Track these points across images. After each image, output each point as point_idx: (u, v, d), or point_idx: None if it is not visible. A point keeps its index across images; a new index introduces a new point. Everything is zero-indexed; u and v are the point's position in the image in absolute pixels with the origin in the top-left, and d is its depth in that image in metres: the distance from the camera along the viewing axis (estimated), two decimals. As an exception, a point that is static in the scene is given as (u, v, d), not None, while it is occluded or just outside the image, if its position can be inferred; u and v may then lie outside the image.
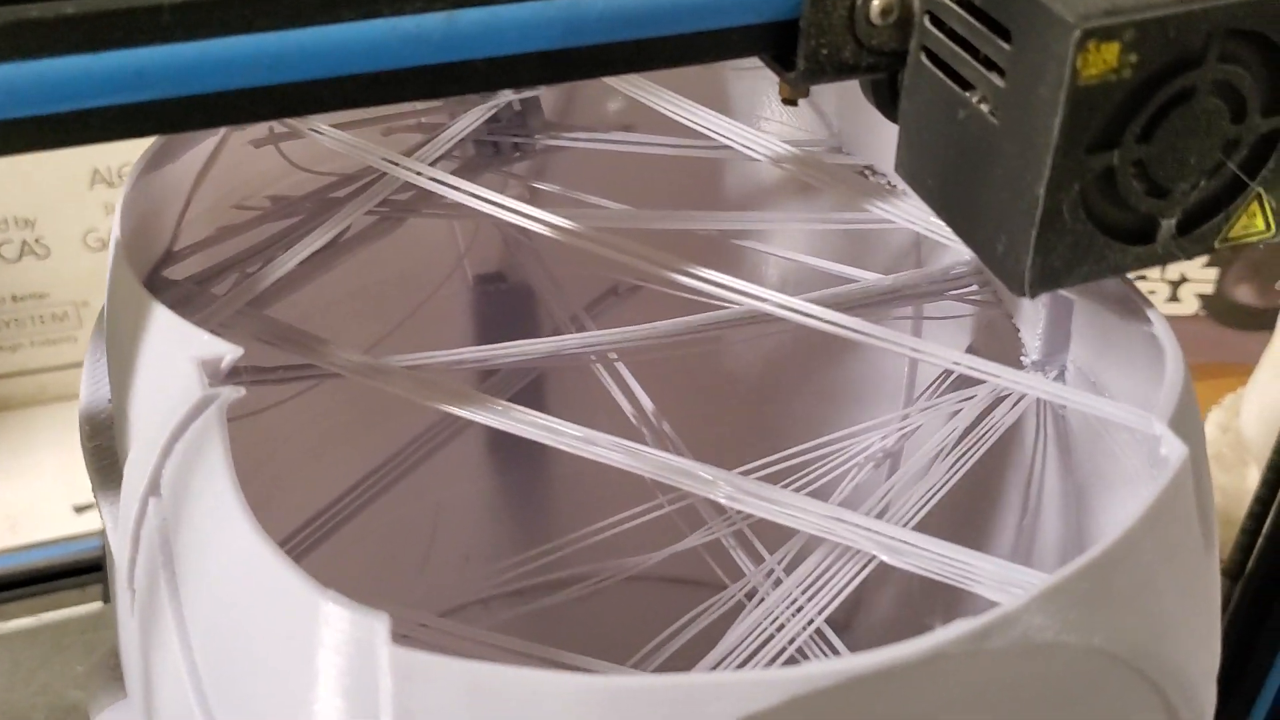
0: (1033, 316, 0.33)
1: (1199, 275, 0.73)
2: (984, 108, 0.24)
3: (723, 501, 0.28)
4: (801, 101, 0.42)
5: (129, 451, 0.26)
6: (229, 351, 0.24)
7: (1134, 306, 0.29)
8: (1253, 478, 0.49)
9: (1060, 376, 0.34)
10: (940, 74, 0.26)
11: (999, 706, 0.21)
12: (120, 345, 0.28)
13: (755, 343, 0.49)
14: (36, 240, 0.73)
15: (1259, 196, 0.25)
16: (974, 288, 0.35)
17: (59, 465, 0.73)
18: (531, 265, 0.42)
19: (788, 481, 0.31)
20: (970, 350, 0.37)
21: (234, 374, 0.25)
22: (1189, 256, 0.26)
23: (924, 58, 0.26)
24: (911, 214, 0.33)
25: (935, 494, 0.33)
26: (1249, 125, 0.24)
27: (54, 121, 0.23)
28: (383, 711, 0.19)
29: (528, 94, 0.40)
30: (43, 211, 0.72)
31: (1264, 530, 0.46)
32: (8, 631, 0.55)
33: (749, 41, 0.26)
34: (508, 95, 0.39)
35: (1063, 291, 0.31)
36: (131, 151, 0.84)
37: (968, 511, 0.39)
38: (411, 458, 0.44)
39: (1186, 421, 0.25)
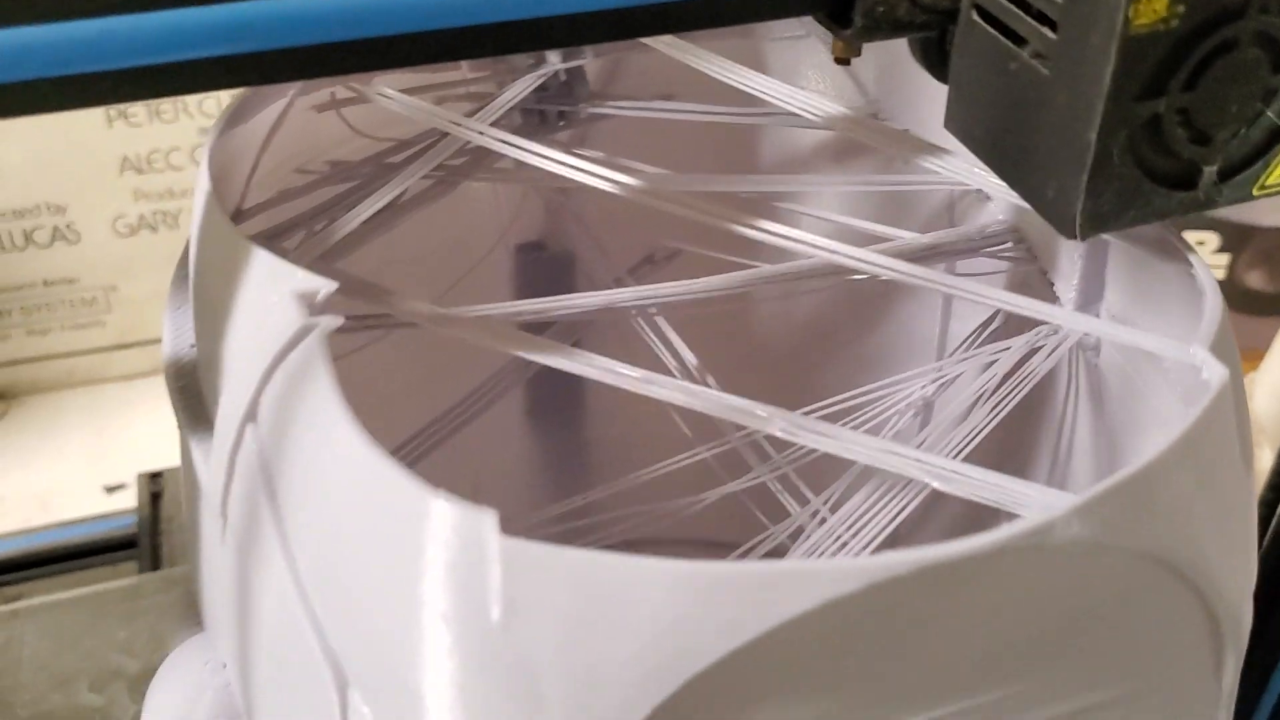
0: (1068, 269, 0.35)
1: (1210, 261, 0.74)
2: (1035, 60, 0.26)
3: (779, 435, 0.29)
4: (840, 71, 0.43)
5: (220, 387, 0.28)
6: (324, 285, 0.26)
7: (1170, 248, 0.31)
8: (1266, 459, 0.50)
9: (1095, 325, 0.35)
10: (991, 30, 0.27)
11: (1057, 600, 0.23)
12: (209, 285, 0.29)
13: (788, 310, 0.50)
14: (68, 226, 0.74)
15: (1297, 146, 0.27)
16: (1008, 245, 0.37)
17: (87, 447, 0.74)
18: (574, 229, 0.43)
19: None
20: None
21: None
22: (1229, 202, 0.27)
23: (975, 15, 0.27)
24: (960, 169, 0.34)
25: (972, 438, 0.34)
26: (1287, 76, 0.26)
27: (158, 72, 0.25)
28: (491, 601, 0.21)
29: (574, 63, 0.42)
30: (74, 198, 0.73)
31: (1278, 509, 0.47)
32: (51, 601, 0.57)
33: (808, -2, 0.28)
34: (555, 65, 0.41)
35: (1103, 236, 0.33)
36: (158, 141, 0.83)
37: (999, 462, 0.41)
38: (455, 421, 0.45)
39: (1225, 348, 0.27)
